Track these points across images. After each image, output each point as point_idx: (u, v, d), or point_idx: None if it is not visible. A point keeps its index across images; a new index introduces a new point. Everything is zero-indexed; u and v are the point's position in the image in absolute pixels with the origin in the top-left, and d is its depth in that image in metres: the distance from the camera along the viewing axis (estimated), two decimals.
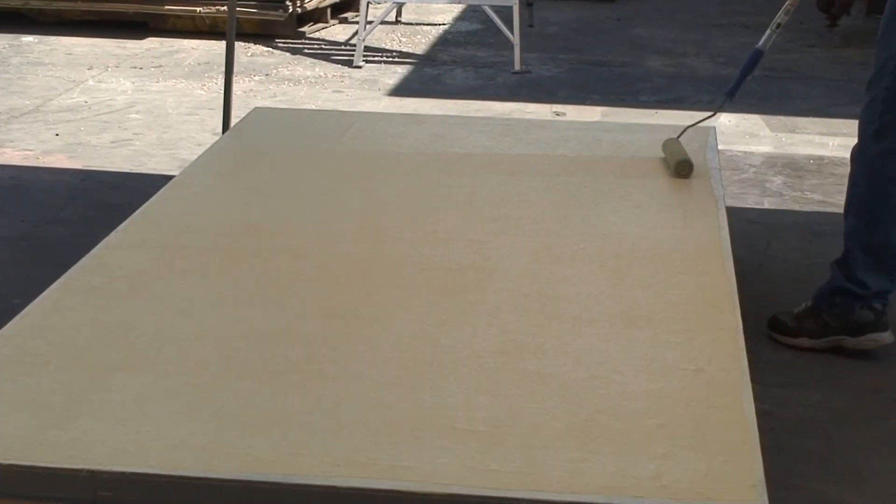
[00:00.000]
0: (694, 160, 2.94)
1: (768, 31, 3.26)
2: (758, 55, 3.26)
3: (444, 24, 7.77)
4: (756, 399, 1.83)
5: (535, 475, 1.62)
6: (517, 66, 6.52)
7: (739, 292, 2.23)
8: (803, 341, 3.31)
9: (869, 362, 3.27)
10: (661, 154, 3.04)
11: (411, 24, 7.75)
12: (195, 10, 7.12)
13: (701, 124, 3.19)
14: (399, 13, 7.79)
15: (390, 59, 6.81)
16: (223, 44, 4.50)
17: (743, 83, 3.23)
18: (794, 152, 5.08)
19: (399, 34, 7.43)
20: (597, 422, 1.76)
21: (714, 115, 3.16)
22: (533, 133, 3.27)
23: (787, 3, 3.24)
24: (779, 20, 3.24)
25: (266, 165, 2.95)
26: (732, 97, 3.23)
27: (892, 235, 3.19)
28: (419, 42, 7.27)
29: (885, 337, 3.26)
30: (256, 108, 3.68)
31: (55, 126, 5.34)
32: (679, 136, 3.09)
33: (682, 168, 2.90)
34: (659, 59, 6.83)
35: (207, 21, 7.12)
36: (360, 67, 6.58)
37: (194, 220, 2.57)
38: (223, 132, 4.16)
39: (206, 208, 2.66)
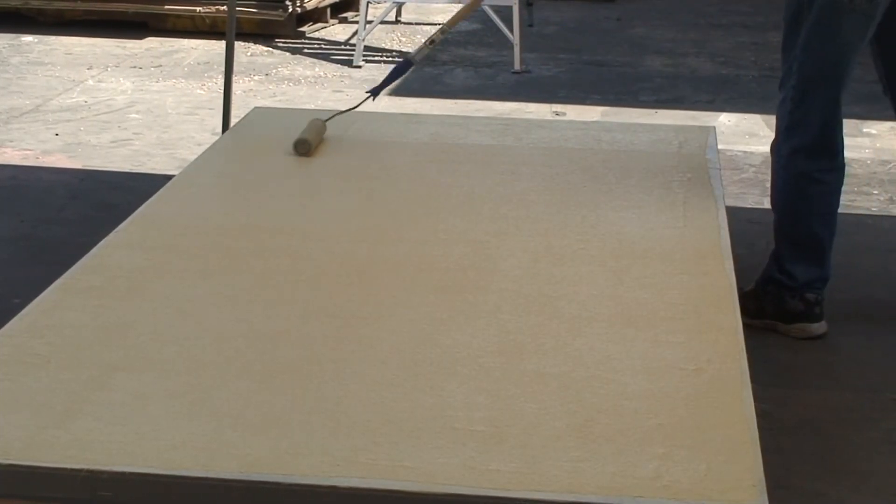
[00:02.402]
0: (690, 161, 2.95)
1: (422, 44, 3.44)
2: (407, 64, 3.43)
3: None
4: (756, 399, 1.83)
5: (534, 475, 1.62)
6: (517, 66, 6.52)
7: (738, 292, 2.23)
8: (742, 318, 3.38)
9: (869, 362, 3.27)
10: (662, 151, 3.05)
11: (411, 23, 7.75)
12: (195, 10, 7.12)
13: (700, 124, 3.20)
14: (399, 13, 7.78)
15: (390, 58, 6.81)
16: (223, 43, 4.50)
17: (386, 87, 3.38)
18: None
19: (399, 34, 7.43)
20: (596, 422, 1.76)
21: (358, 106, 3.32)
22: (533, 133, 3.27)
23: (444, 23, 3.43)
24: (433, 37, 3.41)
25: (266, 165, 2.95)
26: (374, 97, 3.36)
27: (813, 225, 3.30)
28: (419, 42, 7.26)
29: (815, 328, 3.37)
30: (256, 107, 3.68)
31: (55, 126, 5.34)
32: (327, 120, 3.16)
33: (299, 146, 2.96)
34: (659, 59, 6.83)
35: (207, 21, 7.12)
36: (359, 67, 6.58)
37: (194, 220, 2.57)
38: (223, 132, 4.16)
39: (206, 208, 2.66)
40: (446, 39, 7.31)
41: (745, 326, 3.23)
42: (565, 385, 1.87)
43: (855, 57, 3.20)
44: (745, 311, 3.36)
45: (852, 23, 3.14)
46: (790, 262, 3.35)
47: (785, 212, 3.36)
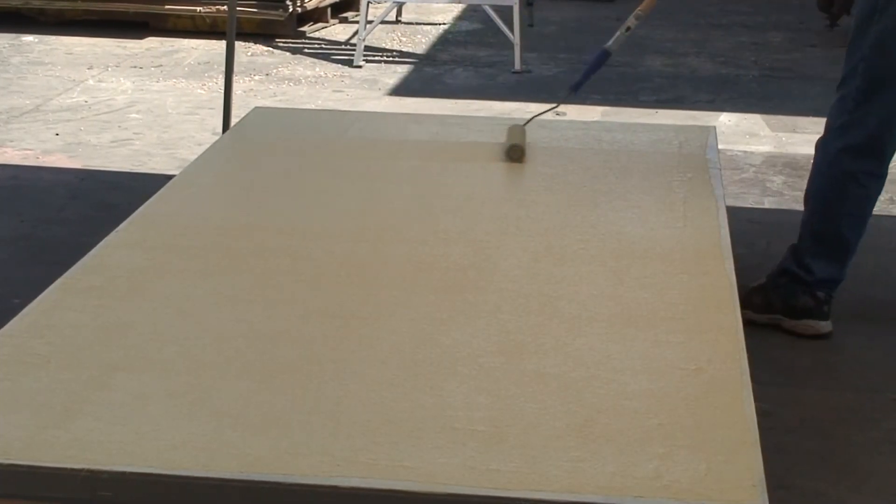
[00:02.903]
0: (690, 161, 2.95)
1: (618, 33, 3.36)
2: (605, 55, 3.35)
3: (444, 24, 7.77)
4: (756, 398, 1.83)
5: (534, 475, 1.62)
6: (517, 66, 6.52)
7: (739, 292, 2.24)
8: (747, 313, 3.39)
9: (869, 362, 3.27)
10: (662, 151, 3.05)
11: (411, 23, 7.75)
12: (195, 10, 7.12)
13: (701, 124, 3.20)
14: (399, 13, 7.79)
15: (390, 58, 6.81)
16: (223, 43, 4.51)
17: (586, 82, 3.33)
18: (795, 152, 5.08)
19: (399, 34, 7.43)
20: (596, 421, 1.76)
21: (556, 106, 3.27)
22: (533, 133, 3.26)
23: (637, 9, 3.34)
24: (629, 24, 3.36)
25: (266, 165, 2.95)
26: (576, 92, 3.31)
27: (843, 226, 3.31)
28: (419, 42, 7.27)
29: (823, 326, 3.38)
30: (256, 107, 3.68)
31: (55, 126, 5.35)
32: (525, 124, 3.15)
33: (512, 152, 2.95)
34: (659, 59, 6.83)
35: (207, 21, 7.12)
36: (360, 67, 6.58)
37: (194, 219, 2.57)
38: (223, 132, 4.16)
39: (206, 208, 2.66)
40: (446, 39, 7.32)
41: (747, 324, 3.27)
42: (565, 385, 1.87)
43: None
44: (750, 306, 3.41)
45: None
46: (810, 257, 3.35)
47: (818, 207, 3.35)
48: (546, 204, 2.69)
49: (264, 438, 1.70)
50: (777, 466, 2.63)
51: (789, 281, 3.39)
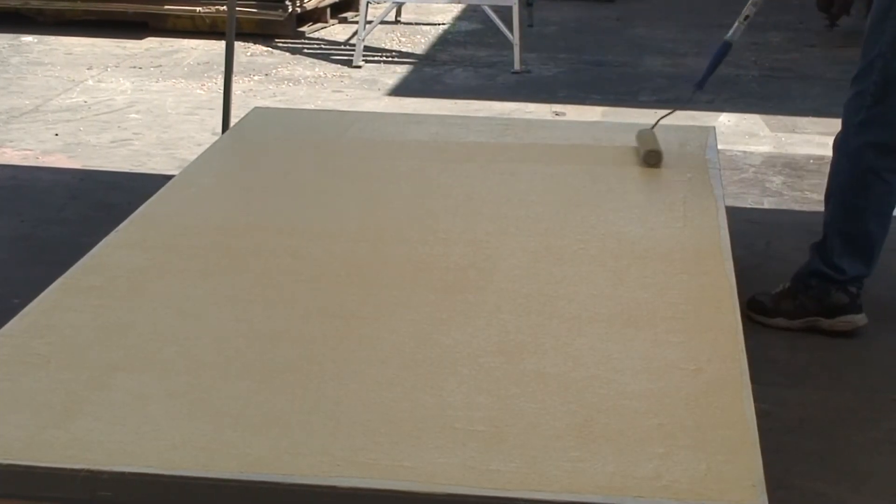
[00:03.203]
0: (690, 161, 2.95)
1: (736, 24, 3.34)
2: (726, 47, 3.34)
3: (443, 24, 7.77)
4: (755, 399, 1.83)
5: (534, 475, 1.62)
6: (517, 66, 6.52)
7: (739, 292, 2.24)
8: (780, 321, 3.40)
9: (869, 362, 3.27)
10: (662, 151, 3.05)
11: (411, 23, 7.75)
12: (195, 10, 7.12)
13: (700, 124, 3.20)
14: (399, 13, 7.79)
15: (390, 58, 6.81)
16: (223, 43, 4.50)
17: (710, 76, 3.34)
18: (794, 152, 5.08)
19: (399, 34, 7.43)
20: (596, 422, 1.76)
21: (685, 106, 3.22)
22: (533, 133, 3.27)
23: None
24: (747, 12, 3.32)
25: (266, 165, 2.95)
26: (701, 88, 3.34)
27: (869, 223, 3.30)
28: (419, 42, 7.27)
29: (860, 319, 3.37)
30: (256, 107, 3.68)
31: (55, 126, 5.34)
32: (653, 127, 3.14)
33: (650, 158, 2.94)
34: (659, 59, 6.83)
35: (207, 21, 7.12)
36: (359, 67, 6.58)
37: (194, 219, 2.57)
38: (223, 132, 4.16)
39: (206, 208, 2.66)
40: (446, 39, 7.32)
41: (784, 331, 3.25)
42: (565, 385, 1.87)
43: None
44: (782, 313, 3.39)
45: None
46: (839, 256, 3.34)
47: (843, 206, 3.34)
48: (546, 204, 2.69)
49: (264, 438, 1.70)
50: (777, 467, 2.63)
51: (821, 281, 3.36)
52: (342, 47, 7.09)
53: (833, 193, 3.37)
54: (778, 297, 3.42)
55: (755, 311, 3.43)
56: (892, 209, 3.34)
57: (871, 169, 3.25)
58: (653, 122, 3.20)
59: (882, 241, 3.35)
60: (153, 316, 2.09)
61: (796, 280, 3.42)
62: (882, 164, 3.24)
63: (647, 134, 3.08)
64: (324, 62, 6.70)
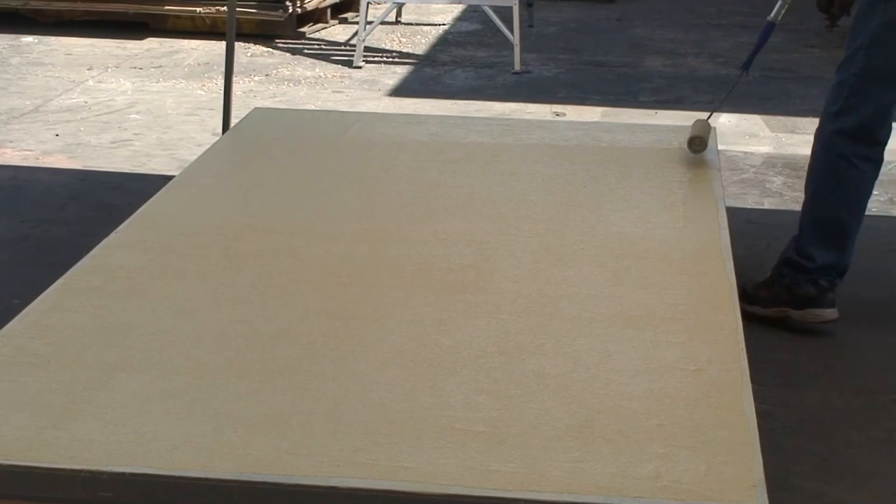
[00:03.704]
0: (690, 161, 2.96)
1: (779, 4, 3.39)
2: (770, 27, 3.39)
3: (443, 25, 7.77)
4: (756, 399, 1.83)
5: (534, 475, 1.62)
6: (517, 67, 6.52)
7: (743, 289, 2.23)
8: (756, 309, 3.45)
9: (869, 362, 3.27)
10: (662, 151, 3.06)
11: (411, 24, 7.75)
12: (195, 11, 7.12)
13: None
14: (399, 13, 7.79)
15: (390, 59, 6.81)
16: (223, 44, 4.51)
17: (757, 54, 3.38)
18: (794, 152, 5.08)
19: (399, 34, 7.43)
20: (596, 422, 1.76)
21: (733, 88, 3.35)
22: (533, 133, 3.27)
23: None
24: None
25: (266, 166, 2.95)
26: (748, 70, 3.38)
27: (840, 210, 3.35)
28: (419, 42, 7.27)
29: (828, 313, 3.40)
30: (256, 108, 3.68)
31: (55, 126, 5.35)
32: (708, 118, 3.18)
33: (693, 143, 2.98)
34: (658, 60, 6.83)
35: (207, 21, 7.12)
36: (359, 68, 6.58)
37: (194, 220, 2.57)
38: (223, 132, 4.16)
39: (206, 209, 2.66)
40: (446, 40, 7.33)
41: (756, 320, 3.28)
42: (565, 385, 1.87)
43: None
44: (758, 301, 3.43)
45: None
46: (811, 245, 3.39)
47: (815, 193, 3.40)
48: (546, 204, 2.69)
49: (264, 439, 1.70)
50: (777, 467, 2.63)
51: (791, 270, 3.42)
52: (342, 48, 7.09)
53: (809, 181, 3.44)
54: (759, 285, 3.48)
55: (741, 298, 3.48)
56: (865, 198, 3.38)
57: (842, 155, 3.31)
58: (650, 121, 3.22)
59: (855, 231, 3.38)
60: (153, 316, 2.09)
61: (774, 269, 3.47)
62: (853, 150, 3.30)
63: (701, 122, 3.10)
64: (324, 63, 6.70)
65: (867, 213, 4.29)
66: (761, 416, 1.81)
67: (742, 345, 2.01)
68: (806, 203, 3.44)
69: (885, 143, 3.35)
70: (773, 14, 3.40)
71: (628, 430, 1.74)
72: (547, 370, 1.92)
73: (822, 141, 3.35)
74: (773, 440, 2.70)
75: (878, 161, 3.35)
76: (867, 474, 2.74)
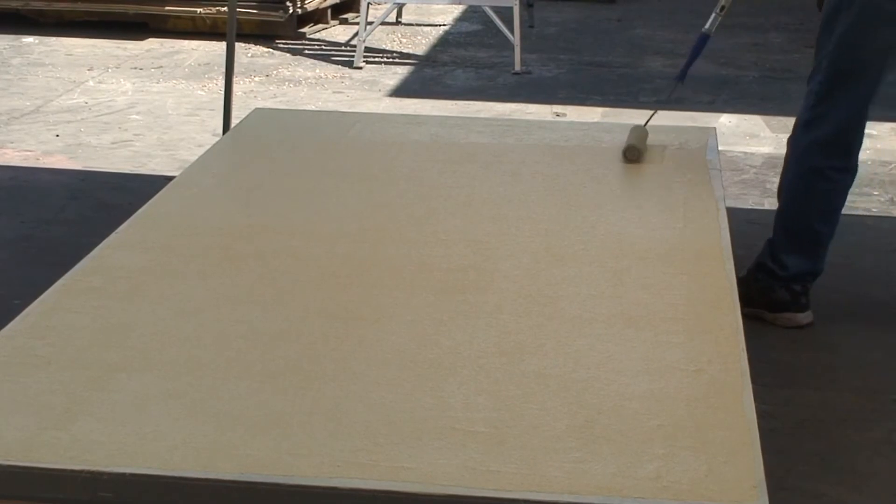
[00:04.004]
0: (689, 159, 2.96)
1: (713, 16, 3.42)
2: (704, 39, 3.42)
3: (444, 25, 7.77)
4: (756, 399, 1.83)
5: (535, 476, 1.62)
6: (517, 67, 6.52)
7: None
8: None
9: (869, 363, 3.27)
10: (662, 152, 3.05)
11: (411, 24, 7.75)
12: (195, 11, 7.12)
13: (701, 125, 3.21)
14: (399, 14, 7.79)
15: (390, 59, 6.81)
16: (223, 44, 4.50)
17: (690, 67, 3.42)
18: None
19: (399, 35, 7.43)
20: (597, 422, 1.76)
21: (669, 99, 3.41)
22: (533, 134, 3.27)
23: None
24: (723, 3, 3.39)
25: (266, 166, 2.95)
26: (682, 81, 3.43)
27: (814, 221, 3.35)
28: (419, 43, 7.27)
29: (802, 317, 3.42)
30: (257, 108, 3.68)
31: (55, 127, 5.35)
32: (646, 124, 3.18)
33: (629, 152, 2.98)
34: (659, 60, 6.83)
35: (208, 22, 7.12)
36: (360, 68, 6.58)
37: (194, 220, 2.57)
38: (223, 133, 4.16)
39: (207, 209, 2.66)
40: (446, 40, 7.33)
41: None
42: (566, 386, 1.87)
43: (890, 61, 3.23)
44: None
45: (891, 27, 3.17)
46: (784, 253, 3.40)
47: (789, 203, 3.40)
48: (546, 205, 2.69)
49: (264, 439, 1.70)
50: (777, 468, 2.62)
51: (765, 276, 3.42)
52: (343, 48, 7.09)
53: (782, 190, 3.44)
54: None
55: None
56: (840, 206, 3.38)
57: (814, 168, 3.31)
58: (657, 122, 3.21)
59: (829, 238, 3.38)
60: (154, 317, 2.09)
61: (749, 270, 3.47)
62: (826, 162, 3.30)
63: (638, 130, 3.09)
64: (324, 63, 6.70)
65: (868, 213, 4.30)
66: (762, 416, 1.81)
67: (742, 345, 2.01)
68: (779, 211, 3.44)
69: (859, 150, 3.35)
70: (707, 25, 3.41)
71: (629, 430, 1.74)
72: (547, 370, 1.92)
73: (796, 153, 3.36)
74: (774, 440, 2.70)
75: (852, 170, 3.35)
76: (867, 475, 2.74)
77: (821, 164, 3.29)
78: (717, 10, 3.37)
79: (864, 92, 3.24)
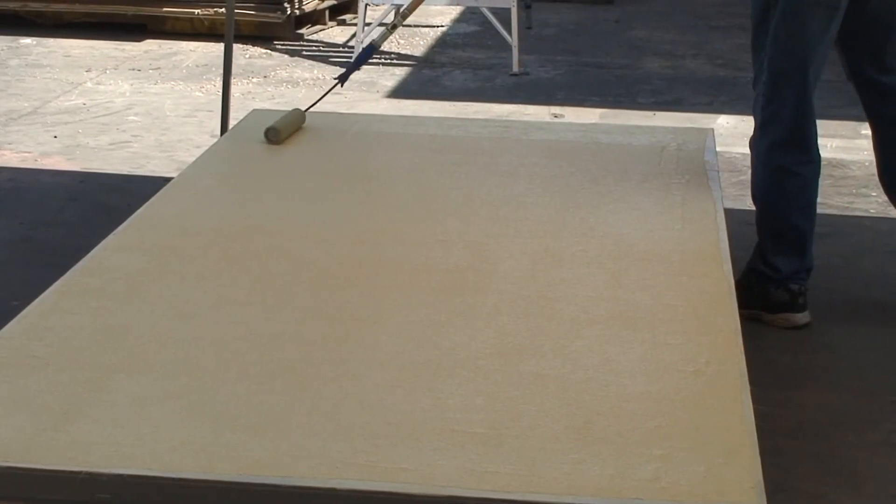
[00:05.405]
0: (688, 161, 2.97)
1: (383, 30, 3.73)
2: (371, 50, 3.68)
3: (442, 26, 7.77)
4: (754, 401, 1.83)
5: (533, 477, 1.62)
6: (515, 68, 6.52)
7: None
8: None
9: (867, 364, 3.27)
10: (660, 153, 3.06)
11: (409, 25, 7.74)
12: (193, 12, 7.12)
13: (699, 126, 3.22)
14: (397, 14, 7.78)
15: (388, 60, 6.81)
16: (221, 46, 4.50)
17: (352, 73, 3.68)
18: None
19: (397, 36, 7.42)
20: (595, 423, 1.76)
21: (326, 94, 3.62)
22: (531, 135, 3.27)
23: (403, 7, 3.63)
24: (395, 21, 3.69)
25: (264, 167, 2.95)
26: (342, 84, 3.65)
27: (794, 218, 3.37)
28: (417, 44, 7.27)
29: (800, 318, 3.42)
30: (255, 109, 3.68)
31: (53, 128, 5.34)
32: (306, 110, 3.38)
33: (268, 134, 3.11)
34: (657, 61, 6.83)
35: (206, 23, 7.11)
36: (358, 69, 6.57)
37: (192, 222, 2.57)
38: (221, 134, 4.15)
39: (205, 210, 2.66)
40: (444, 41, 7.32)
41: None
42: (564, 387, 1.87)
43: (823, 50, 3.27)
44: None
45: (818, 16, 3.22)
46: (773, 255, 3.40)
47: (765, 205, 3.42)
48: (545, 206, 2.69)
49: (263, 440, 1.70)
50: (775, 469, 2.62)
51: (759, 279, 3.42)
52: (341, 49, 7.08)
53: (755, 195, 3.46)
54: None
55: None
56: (814, 199, 3.40)
57: (780, 167, 3.33)
58: (649, 122, 3.22)
59: (811, 231, 3.40)
60: (152, 318, 2.09)
61: (743, 274, 3.47)
62: (790, 159, 3.32)
63: (297, 112, 3.27)
64: (322, 64, 6.70)
65: (865, 214, 4.30)
66: (760, 417, 1.81)
67: (741, 346, 2.01)
68: (758, 216, 3.45)
69: (816, 140, 3.37)
70: (377, 38, 3.65)
71: (627, 431, 1.74)
72: (546, 372, 1.92)
73: (760, 156, 3.38)
74: (772, 442, 2.69)
75: (815, 160, 3.37)
76: (866, 476, 2.73)
77: (784, 161, 3.32)
78: (389, 28, 3.72)
79: (805, 83, 3.27)
